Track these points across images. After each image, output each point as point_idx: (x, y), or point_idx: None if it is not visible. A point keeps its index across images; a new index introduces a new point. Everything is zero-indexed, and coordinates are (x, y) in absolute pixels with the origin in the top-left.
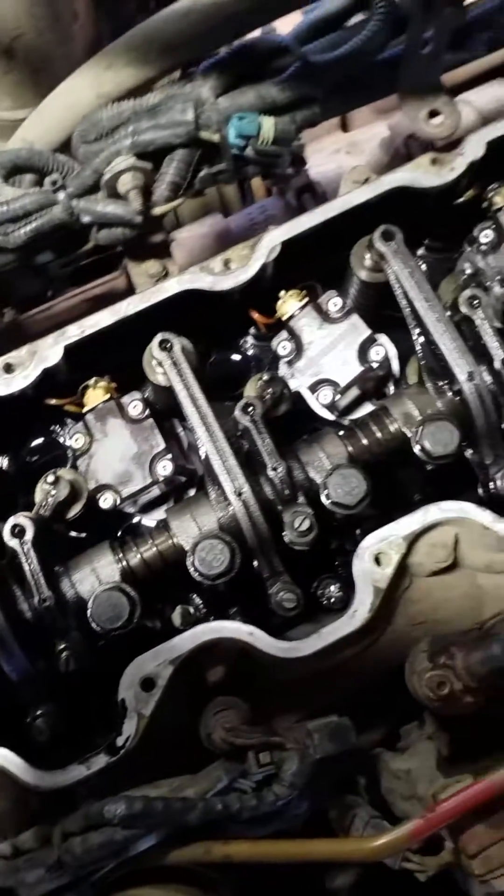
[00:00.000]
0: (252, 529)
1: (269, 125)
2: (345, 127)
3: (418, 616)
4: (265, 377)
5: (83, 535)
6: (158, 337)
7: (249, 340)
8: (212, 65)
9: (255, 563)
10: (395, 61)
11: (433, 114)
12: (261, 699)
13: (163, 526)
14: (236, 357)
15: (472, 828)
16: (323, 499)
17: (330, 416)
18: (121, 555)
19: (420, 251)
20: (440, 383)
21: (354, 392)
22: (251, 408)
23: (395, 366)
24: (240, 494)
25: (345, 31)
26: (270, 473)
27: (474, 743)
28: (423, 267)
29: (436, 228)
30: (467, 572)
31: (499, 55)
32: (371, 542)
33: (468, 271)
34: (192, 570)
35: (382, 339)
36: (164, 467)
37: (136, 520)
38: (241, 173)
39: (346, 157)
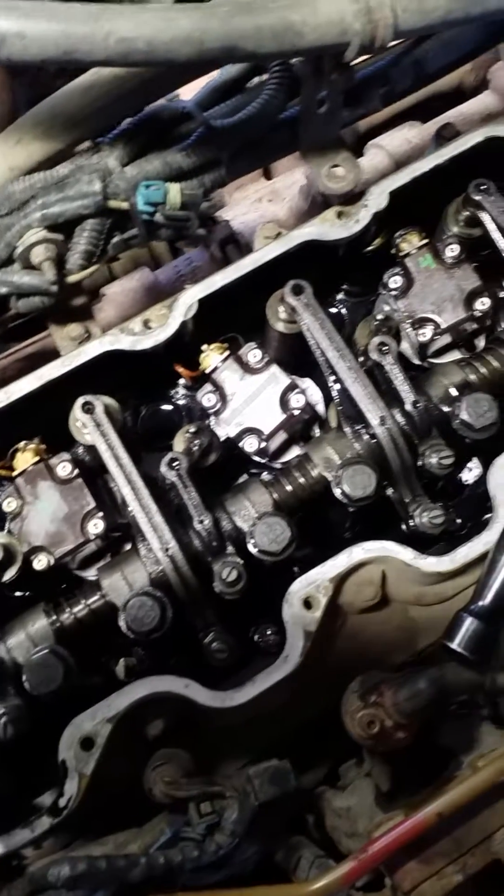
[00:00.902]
0: (181, 584)
1: (175, 191)
2: (268, 175)
3: (355, 652)
4: (192, 429)
5: (27, 593)
6: (80, 400)
7: (180, 391)
8: (118, 134)
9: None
10: (295, 121)
11: (335, 169)
12: (206, 746)
13: (95, 584)
14: (167, 408)
15: (406, 864)
16: (250, 547)
17: (261, 461)
18: (54, 617)
19: (339, 296)
20: (357, 427)
21: (281, 437)
22: (176, 462)
23: (321, 409)
24: (167, 550)
25: (245, 95)
26: (198, 526)
27: (411, 777)
28: (345, 310)
29: (352, 275)
30: (399, 606)
31: (408, 99)
32: (299, 587)
33: (379, 316)
34: (123, 627)
35: (307, 383)
36: (96, 525)
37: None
38: (154, 237)
39: (269, 205)
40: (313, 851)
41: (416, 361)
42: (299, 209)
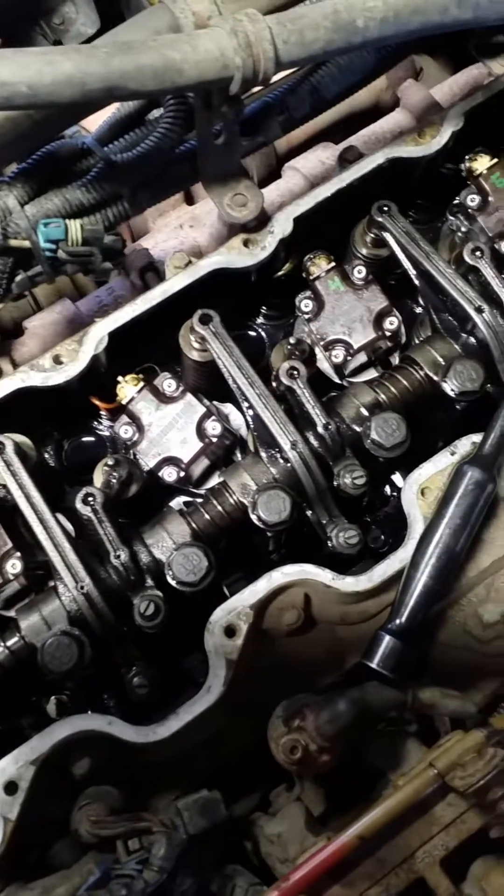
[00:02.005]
0: (98, 620)
1: (75, 228)
2: (189, 201)
3: (282, 676)
4: (110, 462)
5: None
6: None
7: (104, 422)
8: (17, 173)
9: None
10: (195, 152)
11: (237, 198)
12: (138, 782)
13: (14, 626)
14: (91, 439)
15: (330, 889)
16: (168, 579)
17: (185, 490)
18: None
19: (259, 320)
20: (272, 452)
21: (203, 464)
22: (91, 497)
23: (243, 432)
24: (81, 588)
25: (143, 129)
26: (114, 561)
27: (342, 798)
28: (264, 333)
29: (269, 299)
30: (325, 627)
31: (323, 119)
32: (220, 615)
33: (291, 340)
34: (42, 669)
35: (229, 409)
36: (14, 566)
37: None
38: (59, 273)
39: (190, 232)
40: (248, 879)
41: (337, 381)
42: (220, 234)
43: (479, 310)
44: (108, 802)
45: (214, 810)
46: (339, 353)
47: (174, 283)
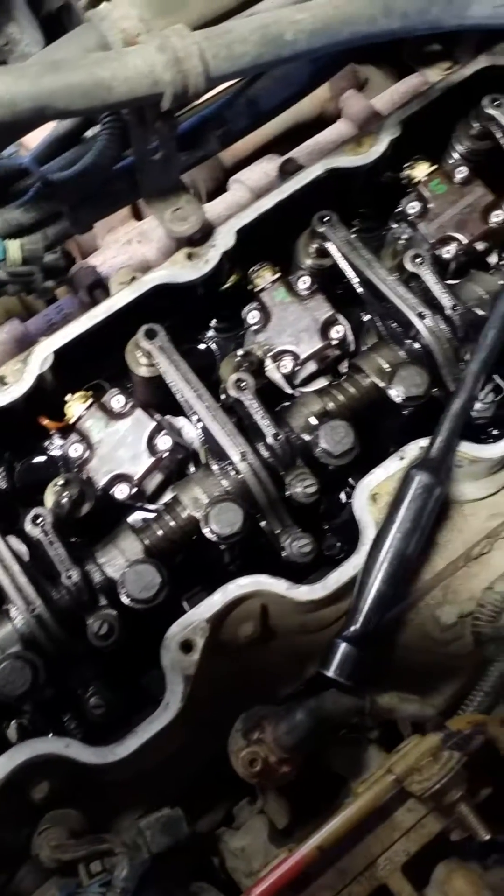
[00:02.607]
0: (51, 642)
1: (14, 248)
2: (138, 216)
3: (243, 689)
4: (60, 481)
5: None
6: None
7: (55, 441)
8: None
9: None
10: (134, 168)
11: (178, 212)
12: (101, 803)
13: None
14: (41, 459)
15: None
16: (122, 597)
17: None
18: None
19: (209, 333)
20: (223, 464)
21: (157, 479)
22: (40, 518)
23: (197, 445)
24: (33, 611)
25: (81, 147)
26: (66, 582)
27: (306, 809)
28: (215, 346)
29: (217, 311)
30: (284, 637)
31: (268, 131)
32: (176, 631)
33: (239, 352)
34: None
35: (181, 422)
36: None
37: None
38: (1, 293)
39: (138, 247)
40: (214, 895)
41: (289, 391)
42: (168, 249)
43: (420, 316)
44: (69, 826)
45: (177, 828)
46: (287, 364)
47: (118, 299)
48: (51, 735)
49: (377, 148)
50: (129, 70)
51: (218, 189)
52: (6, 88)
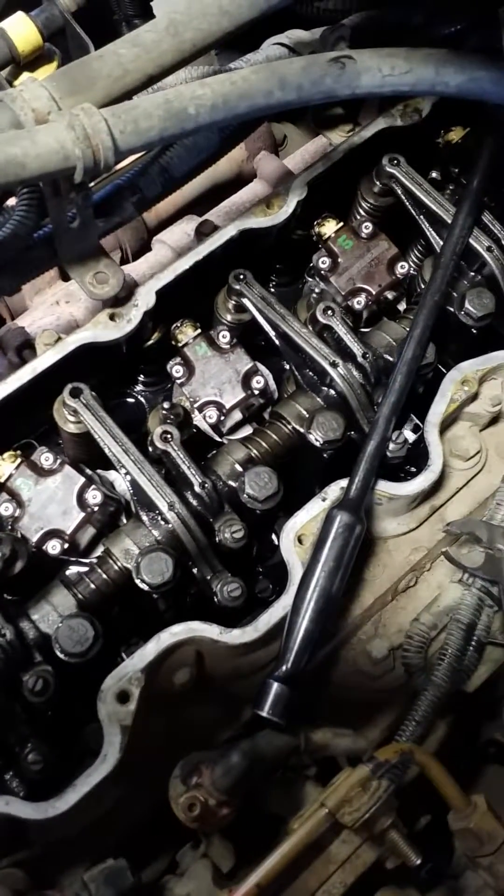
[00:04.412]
0: None
1: None
2: (65, 277)
3: (181, 736)
4: None
5: None
6: None
7: None
8: None
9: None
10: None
11: (98, 275)
12: (41, 860)
13: None
14: None
15: None
16: (56, 652)
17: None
18: None
19: (138, 387)
20: (152, 514)
21: (89, 533)
22: None
23: (128, 497)
24: None
25: (0, 216)
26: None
27: (248, 850)
28: (143, 399)
29: (144, 367)
30: (220, 682)
31: (188, 192)
32: (112, 682)
33: (165, 405)
34: None
35: (113, 475)
36: None
37: None
38: None
39: (66, 307)
40: None
41: (218, 439)
42: (95, 308)
43: (333, 364)
44: (11, 885)
45: (121, 879)
46: (212, 414)
47: (43, 360)
48: None
49: (286, 209)
50: (41, 147)
51: (142, 248)
52: None
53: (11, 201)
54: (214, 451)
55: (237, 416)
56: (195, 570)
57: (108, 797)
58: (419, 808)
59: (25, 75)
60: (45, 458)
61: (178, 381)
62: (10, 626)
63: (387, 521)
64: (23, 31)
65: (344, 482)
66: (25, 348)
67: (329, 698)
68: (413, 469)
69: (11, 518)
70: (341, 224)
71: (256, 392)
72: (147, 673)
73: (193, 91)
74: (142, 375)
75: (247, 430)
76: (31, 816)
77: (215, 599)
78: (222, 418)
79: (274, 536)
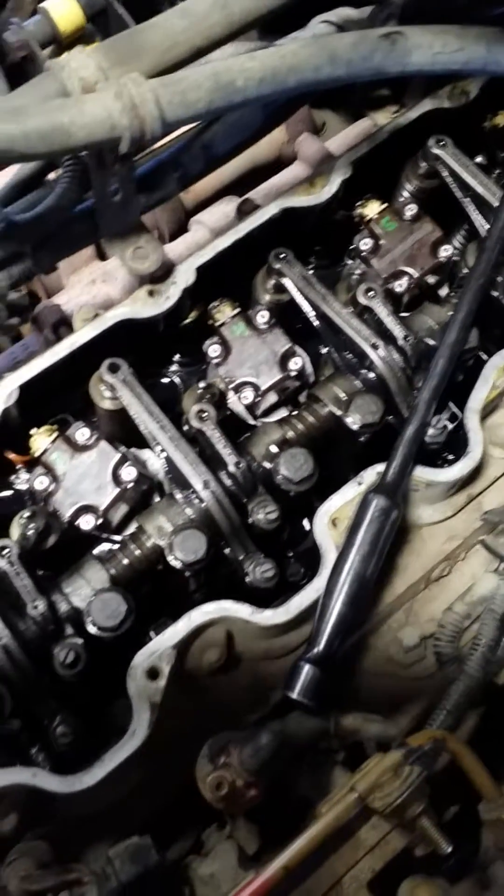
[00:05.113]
0: (18, 673)
1: None
2: (102, 256)
3: (209, 716)
4: (26, 514)
5: None
6: None
7: (21, 476)
8: None
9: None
10: (94, 210)
11: (139, 251)
12: (66, 835)
13: None
14: (7, 494)
15: None
16: (88, 626)
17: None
18: None
19: (173, 367)
20: (186, 493)
21: (122, 510)
22: (6, 550)
23: (161, 477)
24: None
25: (42, 190)
26: (32, 612)
27: (273, 833)
28: (178, 379)
29: (180, 346)
30: (249, 664)
31: (227, 174)
32: (142, 659)
33: (201, 384)
34: None
35: (146, 454)
36: None
37: None
38: None
39: (102, 286)
40: None
41: (251, 422)
42: (131, 287)
43: (374, 346)
44: (38, 857)
45: (146, 856)
46: (248, 395)
47: (81, 335)
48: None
49: (329, 188)
50: (88, 116)
51: (180, 230)
52: None
53: (52, 175)
54: (249, 433)
55: (272, 398)
56: (227, 551)
57: (134, 775)
58: (445, 799)
59: (50, 60)
60: (80, 433)
61: (215, 361)
62: (42, 599)
63: (422, 508)
64: (65, 11)
65: (380, 467)
66: (61, 326)
67: (358, 685)
68: (451, 456)
69: (46, 492)
70: (385, 206)
71: (293, 374)
72: (178, 650)
73: (242, 64)
74: (177, 355)
75: (280, 414)
76: (59, 790)
77: (247, 580)
78: (258, 399)
79: (305, 522)
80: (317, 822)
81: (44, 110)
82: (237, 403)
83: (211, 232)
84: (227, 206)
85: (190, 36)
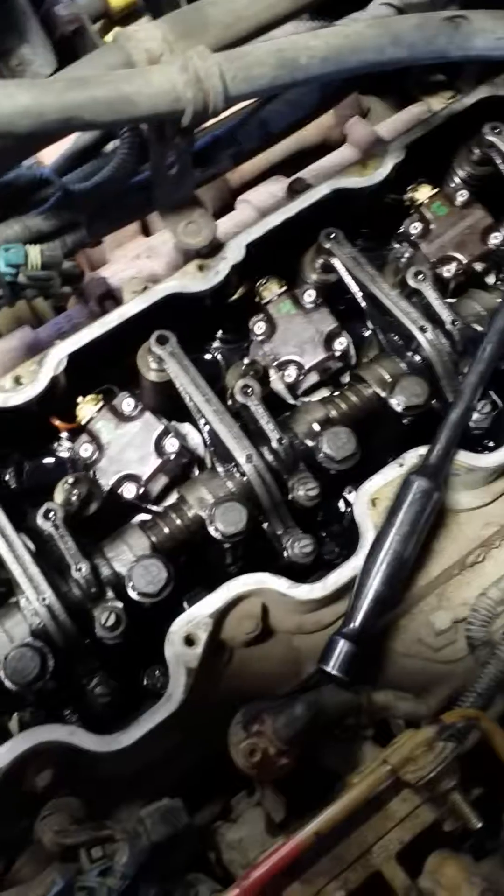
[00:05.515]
0: (60, 632)
1: (34, 253)
2: (146, 232)
3: (241, 686)
4: (70, 479)
5: None
6: None
7: (64, 444)
8: None
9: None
10: (149, 182)
11: (190, 226)
12: (99, 796)
13: None
14: (50, 461)
15: (289, 887)
16: (128, 590)
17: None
18: None
19: (215, 343)
20: (228, 466)
21: (162, 481)
22: (51, 512)
23: (201, 451)
24: (44, 600)
25: (100, 160)
26: (75, 574)
27: (301, 803)
28: (220, 356)
29: (225, 322)
30: (283, 637)
31: (274, 155)
32: (180, 625)
33: (245, 360)
34: (4, 681)
35: (187, 428)
36: None
37: None
38: (18, 297)
39: (147, 262)
40: (210, 887)
41: (291, 401)
42: (176, 264)
43: (422, 329)
44: (71, 812)
45: (176, 817)
46: (291, 373)
47: (130, 307)
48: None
49: (381, 171)
50: (153, 87)
51: (224, 209)
52: (34, 99)
53: (108, 147)
54: (290, 412)
55: (314, 377)
56: (266, 525)
57: (167, 739)
58: (472, 778)
59: (117, 30)
60: (126, 403)
61: (259, 339)
62: (86, 562)
63: (461, 493)
64: None
65: (422, 450)
66: (107, 298)
67: (387, 665)
68: (491, 444)
69: (90, 460)
70: (436, 190)
71: (337, 354)
72: (214, 619)
73: (306, 42)
74: (220, 332)
75: (320, 395)
76: (95, 748)
77: (285, 554)
78: (300, 378)
79: (341, 503)
80: (349, 790)
81: (109, 80)
82: (278, 382)
83: (257, 211)
84: (275, 186)
85: (255, 11)
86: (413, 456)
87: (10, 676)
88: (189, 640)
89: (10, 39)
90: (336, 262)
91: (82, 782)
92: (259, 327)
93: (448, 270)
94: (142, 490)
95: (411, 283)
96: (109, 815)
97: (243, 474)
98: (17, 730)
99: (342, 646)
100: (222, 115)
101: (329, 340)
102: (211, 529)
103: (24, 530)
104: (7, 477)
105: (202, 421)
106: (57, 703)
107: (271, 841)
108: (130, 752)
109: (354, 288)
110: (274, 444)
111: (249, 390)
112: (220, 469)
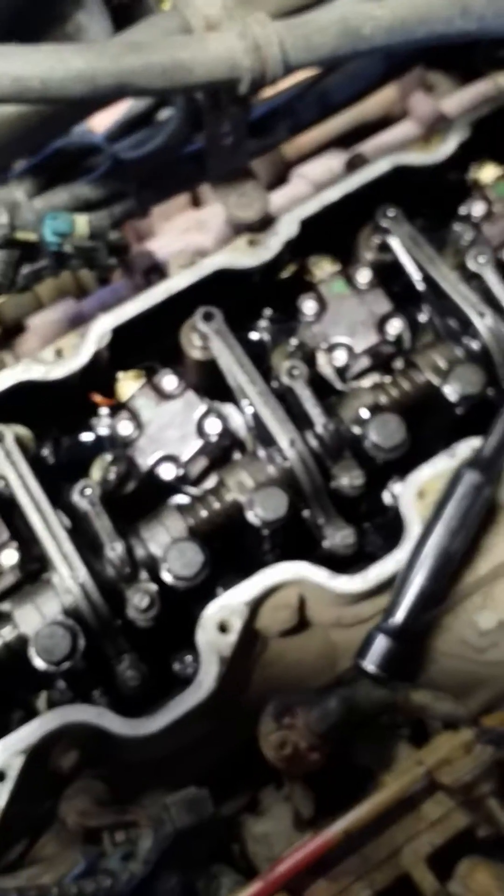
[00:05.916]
0: (93, 612)
1: (82, 222)
2: (196, 204)
3: (274, 677)
4: (108, 457)
5: None
6: None
7: (103, 420)
8: (26, 168)
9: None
10: (202, 152)
11: (242, 198)
12: (124, 781)
13: (6, 617)
14: (88, 438)
15: (314, 884)
16: (163, 573)
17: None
18: None
19: (262, 322)
20: (270, 450)
21: (202, 463)
22: (88, 489)
23: (242, 434)
24: (77, 579)
25: (151, 129)
26: (109, 554)
27: (331, 800)
28: (267, 336)
29: (273, 301)
30: (319, 629)
31: (332, 128)
32: (214, 611)
33: (293, 342)
34: (34, 659)
35: (229, 409)
36: (9, 556)
37: None
38: (64, 267)
39: (195, 235)
40: (233, 879)
41: (339, 386)
42: (225, 238)
43: (481, 314)
44: (95, 794)
45: (202, 807)
46: (340, 357)
47: (178, 280)
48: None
49: (445, 148)
50: (210, 54)
51: (278, 181)
52: (88, 64)
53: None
54: (337, 396)
55: (364, 362)
56: (306, 513)
57: (195, 728)
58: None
59: None
60: (168, 381)
61: (308, 319)
62: (120, 541)
63: None
64: None
65: (475, 441)
66: (153, 272)
67: (427, 664)
68: None
69: (129, 438)
70: (502, 171)
71: (391, 338)
72: (250, 607)
73: (371, 11)
74: (268, 310)
75: (369, 381)
76: (122, 732)
77: (325, 544)
78: (350, 362)
79: (385, 494)
80: (381, 790)
81: (165, 45)
82: (326, 365)
83: (313, 186)
84: (332, 161)
85: None
86: (465, 448)
87: (41, 654)
88: (223, 627)
89: (66, 5)
90: (393, 242)
91: (108, 765)
92: (309, 307)
93: None
94: (181, 471)
95: (471, 266)
96: (133, 799)
97: (285, 459)
98: (44, 708)
99: (381, 641)
100: (280, 86)
101: (382, 323)
102: (250, 515)
103: (60, 507)
104: (44, 452)
105: (245, 402)
106: (85, 684)
107: (298, 836)
108: (158, 738)
109: (411, 269)
110: (319, 430)
111: (296, 372)
112: (261, 453)
